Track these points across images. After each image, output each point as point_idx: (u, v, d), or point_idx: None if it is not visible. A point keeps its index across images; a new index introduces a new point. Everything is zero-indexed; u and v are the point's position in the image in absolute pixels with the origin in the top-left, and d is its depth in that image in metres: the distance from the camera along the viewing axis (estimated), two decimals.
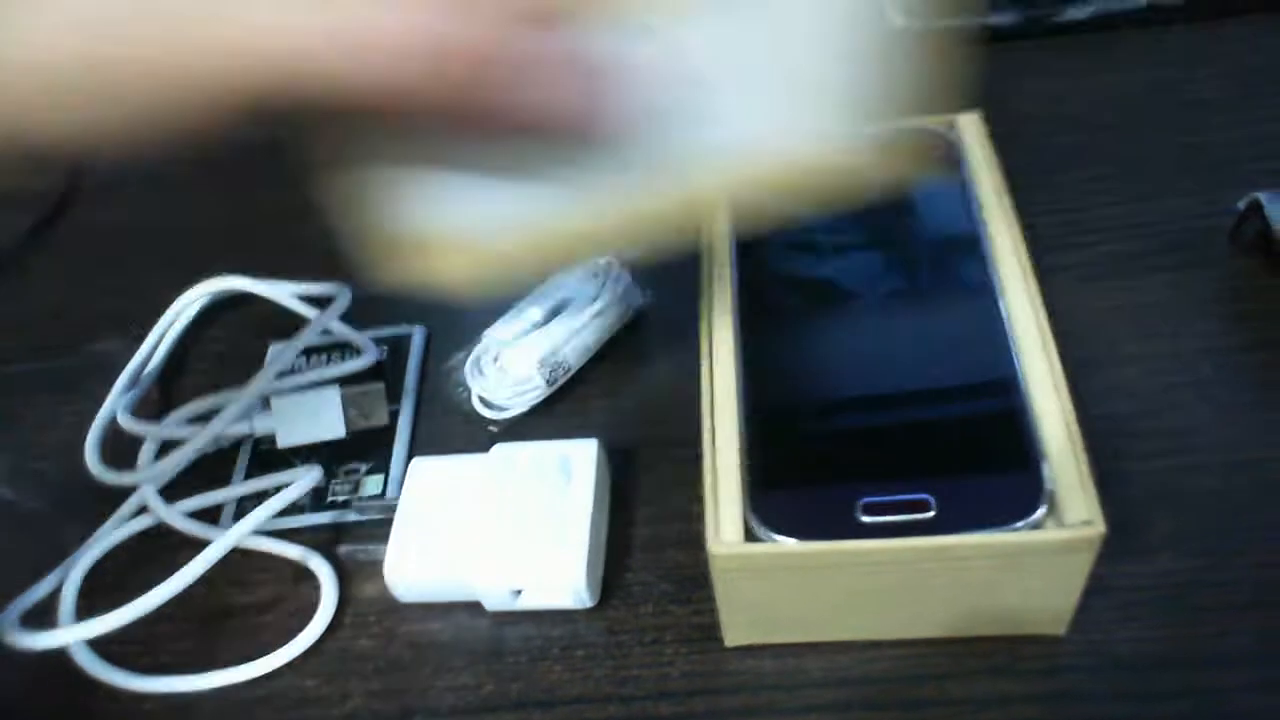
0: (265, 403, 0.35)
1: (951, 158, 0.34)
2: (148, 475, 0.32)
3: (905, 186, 0.33)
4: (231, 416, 0.32)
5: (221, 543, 0.30)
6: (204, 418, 0.34)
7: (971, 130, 0.34)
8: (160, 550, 0.33)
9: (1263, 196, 0.35)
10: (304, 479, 0.32)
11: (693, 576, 0.31)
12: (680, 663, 0.29)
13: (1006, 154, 0.33)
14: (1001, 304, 0.29)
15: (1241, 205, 0.36)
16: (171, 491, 0.34)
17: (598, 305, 0.36)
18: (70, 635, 0.29)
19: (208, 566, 0.29)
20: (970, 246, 0.31)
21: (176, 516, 0.32)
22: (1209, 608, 0.28)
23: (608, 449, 0.33)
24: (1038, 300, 0.29)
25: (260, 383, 0.33)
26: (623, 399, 0.36)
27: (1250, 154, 0.39)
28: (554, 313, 0.36)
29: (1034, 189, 0.39)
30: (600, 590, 0.31)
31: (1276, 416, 0.32)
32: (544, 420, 0.35)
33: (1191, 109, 0.41)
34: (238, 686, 0.30)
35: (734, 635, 0.29)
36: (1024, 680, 0.27)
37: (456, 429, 0.36)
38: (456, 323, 0.39)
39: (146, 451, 0.33)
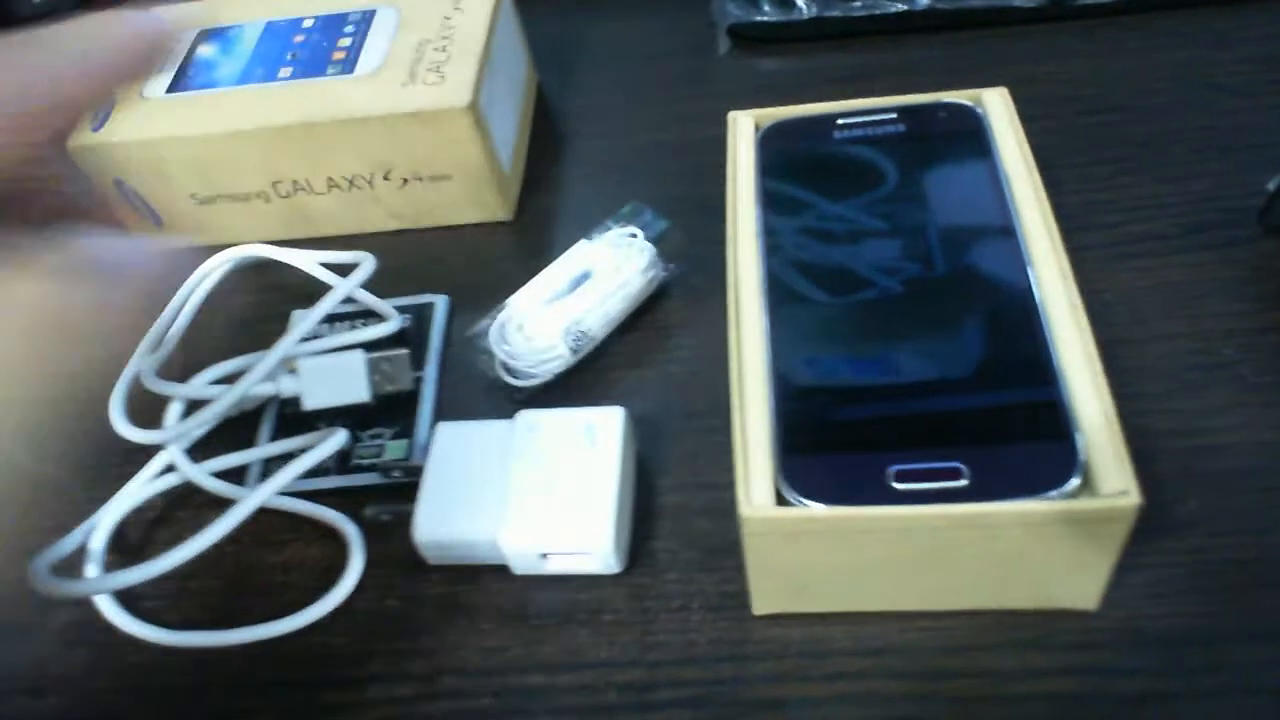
0: (289, 367, 0.35)
1: (979, 131, 0.33)
2: (174, 434, 0.32)
3: (932, 160, 0.33)
4: (257, 377, 0.32)
5: (251, 500, 0.29)
6: (229, 380, 0.34)
7: (998, 105, 0.34)
8: (186, 509, 0.33)
9: None
10: (331, 440, 0.32)
11: (720, 545, 0.31)
12: (707, 629, 0.29)
13: (1031, 135, 0.33)
14: (1032, 275, 0.29)
15: (1272, 186, 0.36)
16: (197, 453, 0.34)
17: (622, 275, 0.36)
18: (100, 585, 0.29)
19: (237, 523, 0.29)
20: (1000, 219, 0.31)
21: (203, 475, 0.32)
22: (1239, 585, 0.28)
23: (633, 418, 0.33)
24: (1069, 272, 0.29)
25: (285, 345, 0.33)
26: (647, 369, 0.36)
27: (1278, 137, 0.39)
28: (578, 282, 0.36)
29: (1059, 170, 0.39)
30: (627, 557, 0.31)
31: None
32: (568, 389, 0.35)
33: (1219, 91, 0.41)
34: (265, 643, 0.30)
35: (762, 603, 0.29)
36: (1054, 654, 0.27)
37: (480, 396, 0.36)
38: (479, 292, 0.39)
39: (173, 411, 0.33)
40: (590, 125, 0.46)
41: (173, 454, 0.33)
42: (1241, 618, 0.27)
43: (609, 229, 0.38)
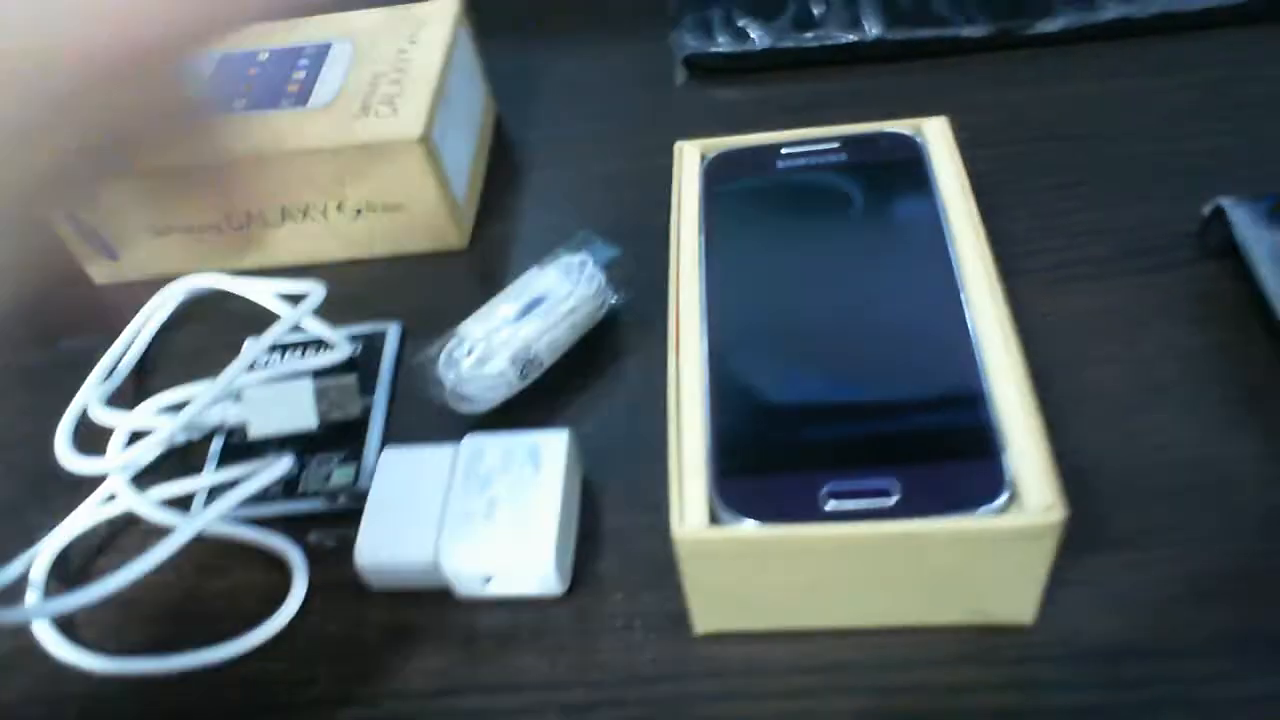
0: (239, 395, 0.35)
1: (918, 160, 0.34)
2: (118, 463, 0.32)
3: (872, 188, 0.33)
4: (202, 406, 0.32)
5: (190, 525, 0.30)
6: (176, 409, 0.34)
7: (937, 134, 0.35)
8: (131, 538, 0.33)
9: (1225, 202, 0.36)
10: (274, 466, 0.32)
11: (663, 565, 0.31)
12: (649, 649, 0.29)
13: (976, 161, 0.34)
14: (964, 298, 0.30)
15: (1206, 211, 0.37)
16: (143, 481, 0.34)
17: (571, 302, 0.36)
18: (38, 612, 0.29)
19: (176, 549, 0.29)
20: (935, 244, 0.31)
21: (146, 503, 0.32)
22: (1175, 599, 0.28)
23: (580, 441, 0.33)
24: (1000, 295, 0.29)
25: (232, 374, 0.33)
26: (594, 394, 0.36)
27: (1217, 163, 0.40)
28: (528, 309, 0.36)
29: (1005, 195, 0.40)
30: (570, 578, 0.31)
31: (1239, 414, 0.32)
32: (516, 414, 0.36)
33: (1161, 119, 0.42)
34: (206, 671, 0.30)
35: (703, 622, 0.29)
36: (993, 668, 0.28)
37: (429, 421, 0.36)
38: (432, 319, 0.39)
39: (117, 440, 0.33)
40: (548, 155, 0.47)
41: (117, 482, 0.33)
42: (1179, 631, 0.28)
43: (559, 256, 0.38)
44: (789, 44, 0.48)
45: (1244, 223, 0.35)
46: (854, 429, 0.27)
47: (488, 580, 0.30)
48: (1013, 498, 0.25)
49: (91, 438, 0.35)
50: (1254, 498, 0.30)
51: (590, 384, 0.36)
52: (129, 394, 0.38)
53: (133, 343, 0.38)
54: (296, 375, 0.35)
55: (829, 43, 0.47)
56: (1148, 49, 0.45)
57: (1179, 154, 0.41)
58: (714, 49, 0.48)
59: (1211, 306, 0.35)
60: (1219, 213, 0.36)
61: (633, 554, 0.31)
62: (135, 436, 0.34)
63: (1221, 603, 0.28)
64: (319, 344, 0.38)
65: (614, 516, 0.32)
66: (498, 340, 0.35)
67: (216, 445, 0.35)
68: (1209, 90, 0.43)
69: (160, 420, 0.33)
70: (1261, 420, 0.32)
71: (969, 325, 0.29)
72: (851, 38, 0.47)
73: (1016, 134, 0.43)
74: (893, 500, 0.25)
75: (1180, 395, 0.33)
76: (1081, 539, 0.29)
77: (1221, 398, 0.33)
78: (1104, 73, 0.45)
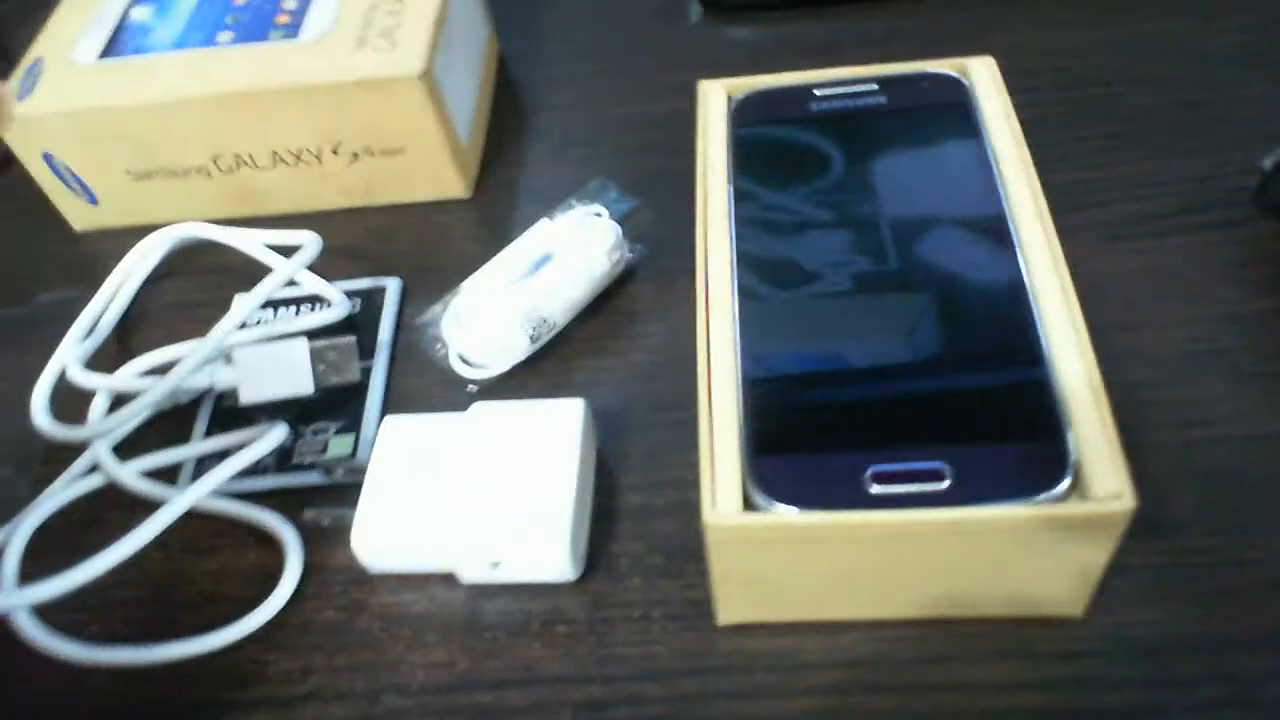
0: (229, 357, 0.32)
1: (965, 104, 0.31)
2: (99, 430, 0.30)
3: (916, 134, 0.31)
4: (189, 369, 0.30)
5: (177, 504, 0.27)
6: (161, 371, 0.31)
7: (984, 75, 0.32)
8: (113, 512, 0.31)
9: None
10: (267, 437, 0.29)
11: (684, 548, 0.29)
12: (669, 641, 0.27)
13: (1017, 110, 0.31)
14: (1022, 259, 0.27)
15: (1268, 164, 0.34)
16: (127, 450, 0.32)
17: (586, 257, 0.34)
18: (13, 600, 0.26)
19: (161, 529, 0.27)
20: (988, 199, 0.29)
21: (130, 475, 0.30)
22: (1233, 589, 0.26)
23: (594, 411, 0.31)
24: (1060, 258, 0.27)
25: (220, 334, 0.30)
26: (611, 358, 0.34)
27: (1275, 111, 0.37)
28: (539, 265, 0.33)
29: (1048, 146, 0.38)
30: (584, 562, 0.29)
31: None
32: (527, 380, 0.33)
33: (1213, 63, 0.40)
34: (194, 660, 0.28)
35: (728, 612, 0.27)
36: (1037, 665, 0.26)
37: (433, 387, 0.34)
38: (435, 274, 0.37)
39: (98, 405, 0.31)
40: (555, 96, 0.44)
41: (98, 451, 0.30)
42: (1238, 624, 0.26)
43: (572, 207, 0.36)
44: None
45: None
46: (901, 403, 0.25)
47: (496, 565, 0.28)
48: (1076, 483, 0.23)
49: (71, 402, 0.33)
50: None
51: (607, 347, 0.34)
52: (111, 354, 0.36)
53: (115, 297, 0.36)
54: (291, 335, 0.32)
55: None
56: None
57: (1236, 100, 0.38)
58: None
59: (1270, 267, 0.33)
60: None
61: (652, 536, 0.29)
62: (118, 401, 0.32)
63: None
64: (315, 300, 0.35)
65: (632, 494, 0.30)
66: (506, 299, 0.32)
67: (205, 411, 0.33)
68: (1262, 31, 0.40)
69: (144, 383, 0.31)
70: None
71: (1027, 289, 0.26)
72: None
73: (1057, 79, 0.40)
74: (944, 485, 0.23)
75: (1240, 365, 0.31)
76: (1134, 522, 0.27)
77: None
78: (1152, 13, 0.42)
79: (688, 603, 0.28)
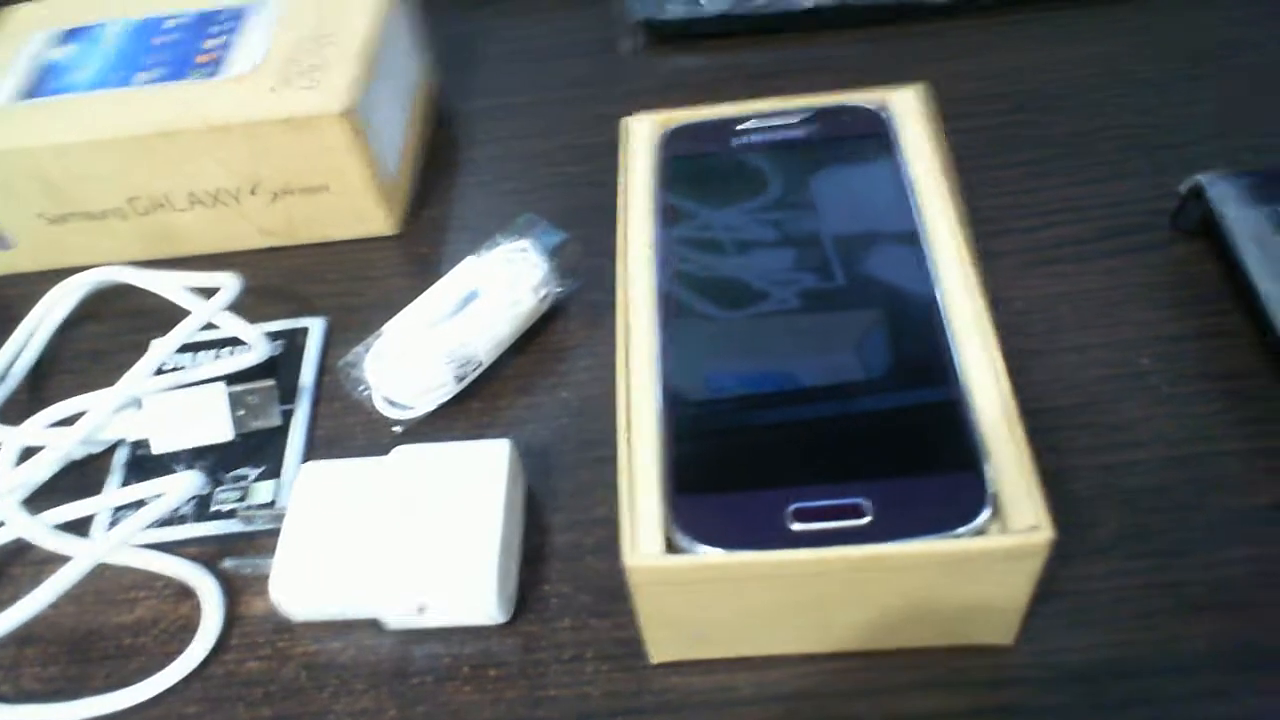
0: (141, 404, 0.31)
1: (883, 134, 0.32)
2: (7, 484, 0.29)
3: (836, 168, 0.31)
4: (99, 418, 0.29)
5: (88, 556, 0.26)
6: (72, 421, 0.30)
7: (907, 106, 0.32)
8: (23, 567, 0.30)
9: (1204, 179, 0.34)
10: (181, 487, 0.29)
11: (615, 588, 0.28)
12: (601, 682, 0.27)
13: (950, 134, 0.31)
14: (938, 292, 0.27)
15: (1183, 189, 0.35)
16: (37, 503, 0.31)
17: (513, 294, 0.33)
18: None
19: (73, 582, 0.26)
20: (904, 228, 0.29)
21: (40, 529, 0.29)
22: (1158, 610, 0.27)
23: (522, 450, 0.31)
24: (976, 288, 0.27)
25: (133, 381, 0.29)
26: (539, 396, 0.33)
27: (1194, 135, 0.38)
28: (464, 302, 0.33)
29: (974, 172, 0.38)
30: (514, 604, 0.28)
31: (1217, 409, 0.30)
32: (454, 419, 0.33)
33: (1136, 88, 0.40)
34: (111, 717, 0.27)
35: (659, 651, 0.27)
36: (969, 694, 0.26)
37: (357, 429, 0.33)
38: (361, 314, 0.36)
39: (6, 457, 0.30)
40: (490, 129, 0.44)
41: (6, 506, 0.29)
42: (1164, 647, 0.26)
43: (499, 244, 0.35)
44: (744, 10, 0.45)
45: (1224, 201, 0.34)
46: (820, 437, 0.25)
47: (422, 609, 0.27)
48: (995, 513, 0.23)
49: None
50: (1240, 499, 0.28)
51: (534, 385, 0.34)
52: (23, 402, 0.35)
53: (27, 344, 0.35)
54: (209, 380, 0.32)
55: (789, 8, 0.44)
56: (1123, 15, 0.43)
57: (1156, 127, 0.39)
58: (666, 15, 0.45)
59: (1191, 290, 0.34)
60: (1197, 190, 0.34)
61: (582, 575, 0.29)
62: (28, 452, 0.31)
63: (1209, 615, 0.26)
64: (234, 343, 0.35)
65: (561, 534, 0.30)
66: (431, 339, 0.32)
67: (119, 460, 0.32)
68: (1186, 59, 0.41)
69: (55, 434, 0.30)
70: (1245, 413, 0.30)
71: (943, 320, 0.27)
72: (810, 3, 0.44)
73: (986, 105, 0.41)
74: (865, 520, 0.23)
75: (1160, 387, 0.31)
76: (1058, 546, 0.27)
77: (1203, 389, 0.31)
78: (1076, 40, 0.43)
79: (619, 642, 0.27)
